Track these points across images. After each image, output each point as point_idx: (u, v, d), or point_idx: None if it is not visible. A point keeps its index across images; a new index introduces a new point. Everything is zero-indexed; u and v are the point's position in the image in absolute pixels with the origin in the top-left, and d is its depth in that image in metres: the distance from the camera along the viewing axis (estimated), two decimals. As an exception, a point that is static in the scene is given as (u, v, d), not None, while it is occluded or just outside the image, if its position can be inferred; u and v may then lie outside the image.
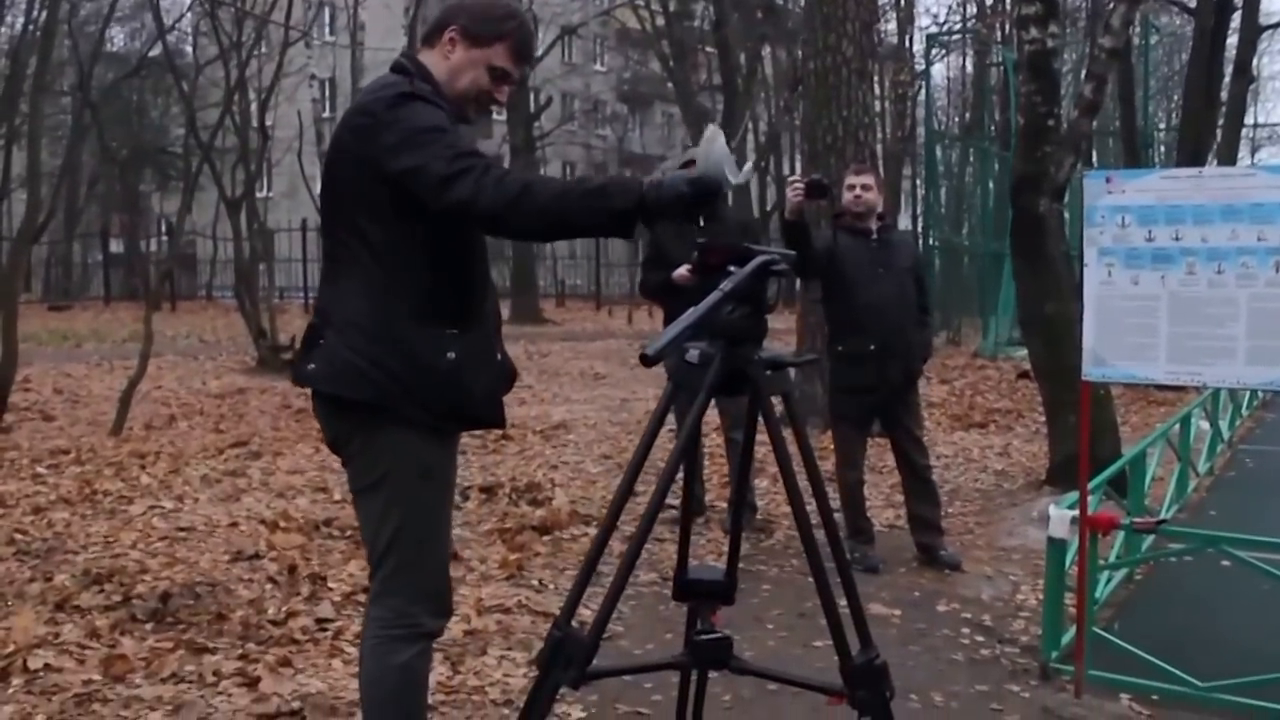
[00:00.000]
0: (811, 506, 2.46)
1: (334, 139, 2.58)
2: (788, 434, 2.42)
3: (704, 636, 2.57)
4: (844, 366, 5.32)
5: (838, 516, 5.57)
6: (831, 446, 5.68)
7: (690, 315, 2.18)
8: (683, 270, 5.44)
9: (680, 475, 2.64)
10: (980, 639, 4.43)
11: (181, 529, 5.61)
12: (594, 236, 2.59)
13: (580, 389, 12.52)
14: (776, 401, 2.48)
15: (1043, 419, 7.88)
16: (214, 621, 4.22)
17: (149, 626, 4.17)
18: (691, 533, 2.87)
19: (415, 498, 2.57)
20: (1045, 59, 6.70)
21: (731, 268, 2.31)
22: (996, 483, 7.58)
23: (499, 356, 2.68)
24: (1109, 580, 4.74)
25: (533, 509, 6.24)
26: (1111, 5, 7.88)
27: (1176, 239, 3.57)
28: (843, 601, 2.44)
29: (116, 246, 33.47)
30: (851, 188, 5.32)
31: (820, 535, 2.44)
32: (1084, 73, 8.36)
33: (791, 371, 2.50)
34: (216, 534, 5.52)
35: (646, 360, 2.12)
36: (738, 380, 2.38)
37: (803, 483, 2.42)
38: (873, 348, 5.19)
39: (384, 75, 2.64)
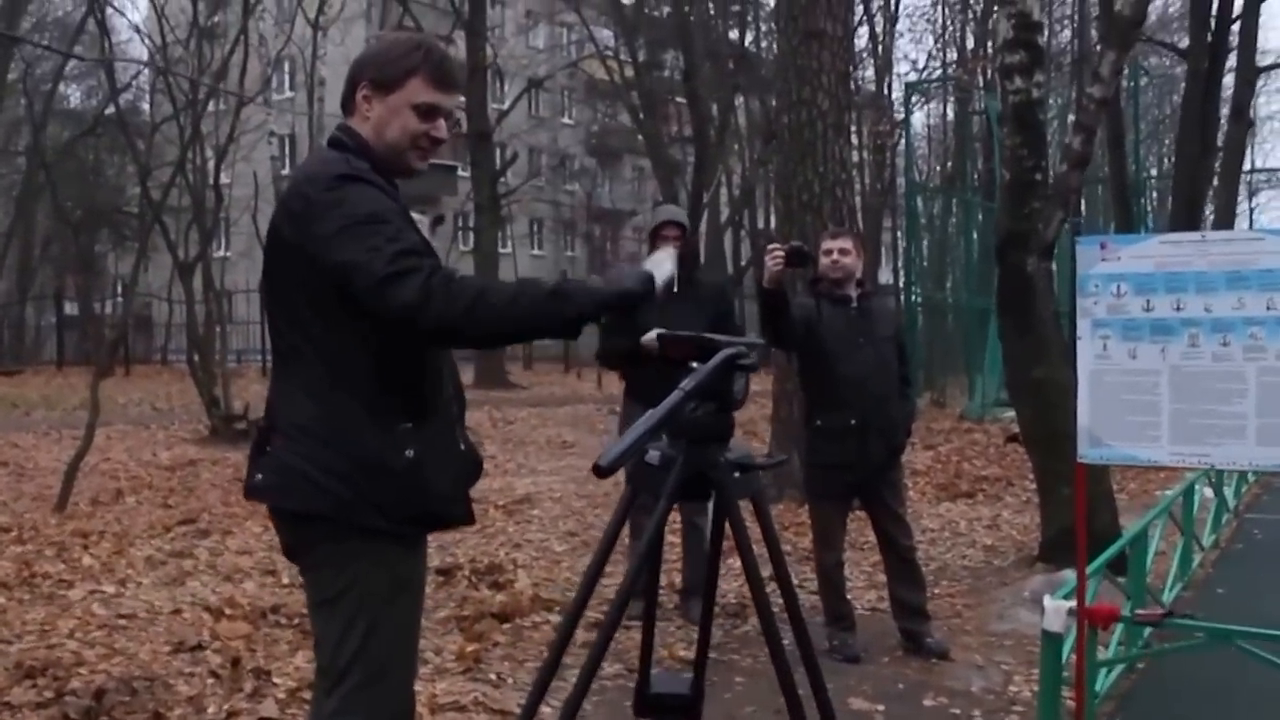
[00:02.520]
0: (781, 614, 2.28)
1: (270, 225, 2.37)
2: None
3: None
4: (822, 442, 5.04)
5: (816, 600, 5.33)
6: (809, 522, 5.40)
7: (648, 419, 2.02)
8: (652, 335, 5.20)
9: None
10: (971, 738, 4.16)
11: (122, 616, 5.33)
12: (541, 338, 2.36)
13: (546, 458, 12.22)
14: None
15: (1033, 486, 7.62)
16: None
17: None
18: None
19: (381, 613, 2.35)
20: (1030, 110, 6.50)
21: (694, 364, 2.14)
22: (986, 559, 7.28)
23: (462, 447, 2.47)
24: (1109, 672, 4.47)
25: (493, 593, 5.93)
26: (1100, 52, 7.69)
27: (1178, 309, 3.35)
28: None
29: (71, 309, 32.89)
30: (829, 252, 5.07)
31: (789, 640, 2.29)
32: (1070, 120, 8.20)
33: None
34: (158, 622, 5.24)
35: (600, 472, 1.94)
36: (701, 483, 2.19)
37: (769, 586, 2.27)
38: (853, 422, 4.92)
39: (321, 151, 2.45)
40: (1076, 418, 3.48)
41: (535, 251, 43.55)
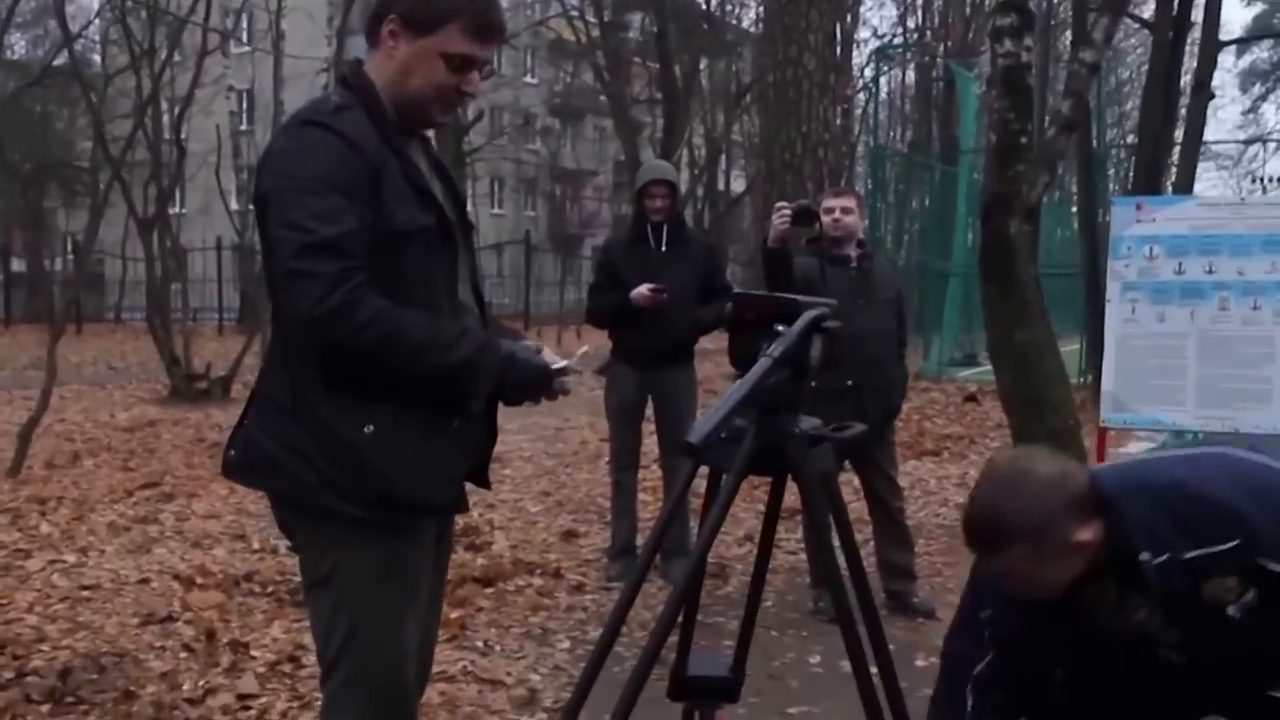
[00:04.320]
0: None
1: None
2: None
3: None
4: (818, 403, 4.90)
5: (792, 561, 5.22)
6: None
7: (737, 390, 1.83)
8: (643, 289, 5.06)
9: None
10: (965, 699, 4.06)
11: (85, 587, 5.10)
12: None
13: (512, 417, 11.98)
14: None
15: (996, 445, 7.58)
16: (121, 701, 3.76)
17: (45, 709, 3.71)
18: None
19: (369, 600, 2.16)
20: (1020, 73, 6.42)
21: (779, 326, 1.95)
22: (960, 516, 7.21)
23: (455, 424, 2.17)
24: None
25: (472, 555, 5.78)
26: (1094, 18, 7.64)
27: (1210, 271, 3.25)
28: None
29: (19, 265, 32.12)
30: (830, 211, 4.94)
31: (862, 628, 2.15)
32: (1056, 87, 8.12)
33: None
34: (125, 592, 5.02)
35: (693, 451, 1.76)
36: (771, 456, 2.01)
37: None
38: (850, 383, 4.80)
39: (330, 91, 2.22)
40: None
41: (495, 210, 43.14)
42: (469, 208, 2.43)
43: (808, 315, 1.98)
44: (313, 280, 1.95)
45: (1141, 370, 3.38)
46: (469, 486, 2.31)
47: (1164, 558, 1.96)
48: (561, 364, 2.17)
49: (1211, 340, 3.31)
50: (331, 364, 2.06)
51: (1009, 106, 6.43)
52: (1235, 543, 1.92)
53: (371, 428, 2.07)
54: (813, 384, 4.87)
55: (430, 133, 2.47)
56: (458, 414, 2.16)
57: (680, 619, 2.28)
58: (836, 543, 2.14)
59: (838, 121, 9.72)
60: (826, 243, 4.96)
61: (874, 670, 2.17)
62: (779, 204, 4.65)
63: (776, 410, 2.01)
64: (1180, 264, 3.31)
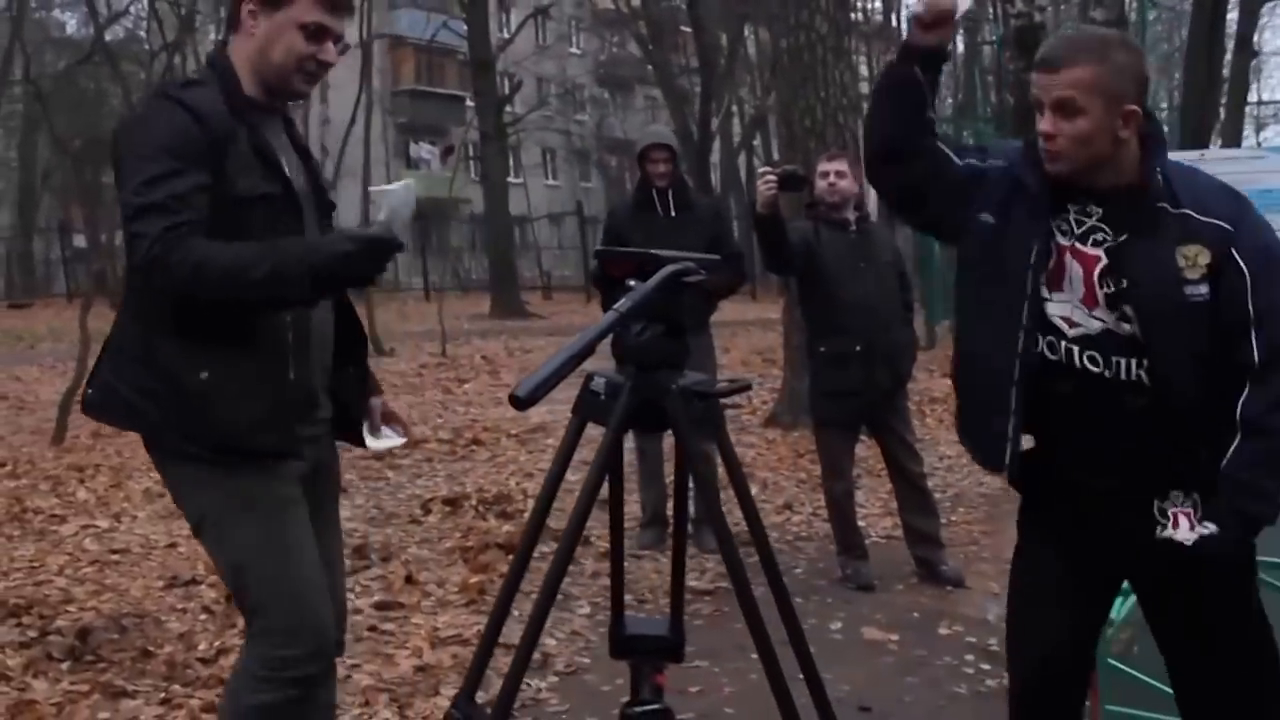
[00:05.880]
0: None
1: None
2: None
3: (639, 709, 2.17)
4: (827, 369, 4.90)
5: (826, 529, 5.20)
6: (817, 451, 5.27)
7: (573, 344, 1.85)
8: None
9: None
10: (986, 667, 4.05)
11: (115, 551, 5.25)
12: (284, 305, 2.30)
13: (562, 387, 12.02)
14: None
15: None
16: (137, 660, 3.87)
17: (65, 666, 3.82)
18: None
19: (239, 535, 2.29)
20: (1033, 33, 6.38)
21: (631, 281, 1.96)
22: (1003, 487, 7.05)
23: (292, 376, 2.32)
24: (1124, 600, 4.34)
25: (500, 523, 5.82)
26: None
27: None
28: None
29: (81, 241, 32.69)
30: (825, 175, 4.89)
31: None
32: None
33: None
34: (152, 556, 5.16)
35: (517, 403, 1.77)
36: (654, 413, 2.02)
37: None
38: (858, 348, 4.78)
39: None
40: None
41: (550, 181, 43.12)
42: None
43: (664, 270, 1.96)
44: (139, 240, 2.12)
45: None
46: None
47: (1164, 203, 2.14)
48: (383, 219, 2.20)
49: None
50: (171, 312, 2.22)
51: (1024, 67, 6.36)
52: (1229, 228, 2.10)
53: (206, 374, 2.22)
54: (821, 349, 4.90)
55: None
56: (294, 364, 2.31)
57: (611, 583, 2.36)
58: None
59: (861, 84, 9.57)
60: (823, 207, 4.92)
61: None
62: (762, 169, 4.63)
63: (656, 367, 2.02)
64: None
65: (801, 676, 2.15)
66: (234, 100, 2.28)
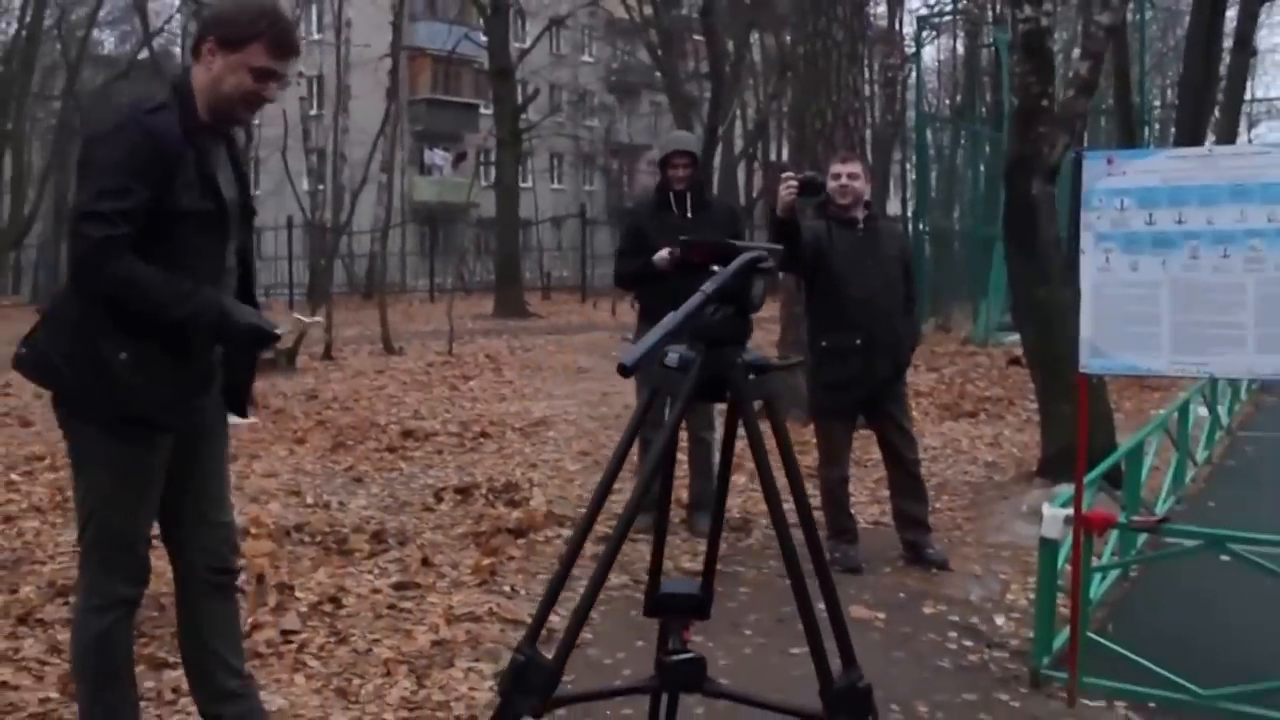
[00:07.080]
0: (792, 515, 2.29)
1: None
2: (766, 430, 2.26)
3: (674, 658, 2.39)
4: (829, 361, 5.11)
5: (819, 516, 5.39)
6: (813, 441, 5.48)
7: (669, 321, 2.06)
8: (663, 253, 5.22)
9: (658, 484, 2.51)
10: (968, 643, 4.26)
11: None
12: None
13: (562, 383, 12.32)
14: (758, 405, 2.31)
15: (1034, 406, 7.69)
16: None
17: None
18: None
19: (106, 494, 2.75)
20: (1039, 38, 6.53)
21: (715, 267, 2.17)
22: (987, 475, 7.39)
23: (199, 363, 2.78)
24: (1104, 579, 4.55)
25: (509, 510, 6.07)
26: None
27: (1179, 221, 3.38)
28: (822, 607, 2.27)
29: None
30: (837, 176, 5.12)
31: (800, 542, 2.28)
32: (1076, 51, 8.17)
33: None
34: (185, 542, 5.34)
35: (625, 371, 2.01)
36: (718, 385, 2.23)
37: (783, 490, 2.27)
38: (859, 341, 5.00)
39: (149, 95, 2.76)
40: (1078, 334, 3.51)
41: (555, 185, 43.54)
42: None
43: (743, 257, 2.18)
44: (82, 240, 2.57)
45: (1118, 317, 3.44)
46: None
47: None
48: (279, 330, 2.75)
49: (1184, 288, 3.33)
50: (103, 301, 2.62)
51: (1030, 70, 6.55)
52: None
53: (125, 355, 2.64)
54: (823, 344, 5.11)
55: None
56: (198, 354, 2.76)
57: (652, 550, 2.55)
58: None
59: (879, 90, 9.77)
60: (835, 207, 5.14)
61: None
62: (785, 174, 4.82)
63: (722, 343, 2.22)
64: (1150, 215, 3.38)
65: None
66: (189, 124, 2.67)
